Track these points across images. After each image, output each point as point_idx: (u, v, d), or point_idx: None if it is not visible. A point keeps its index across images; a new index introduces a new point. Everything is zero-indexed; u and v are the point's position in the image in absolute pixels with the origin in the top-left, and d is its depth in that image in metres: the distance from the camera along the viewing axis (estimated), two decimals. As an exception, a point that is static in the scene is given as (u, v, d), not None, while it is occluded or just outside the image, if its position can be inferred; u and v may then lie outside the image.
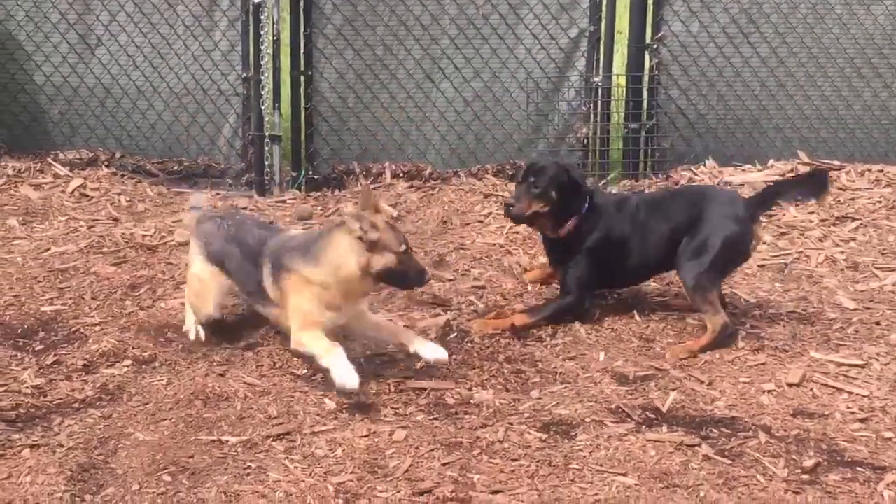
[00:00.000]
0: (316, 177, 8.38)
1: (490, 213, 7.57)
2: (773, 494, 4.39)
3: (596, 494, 4.37)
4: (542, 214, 5.97)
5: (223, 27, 8.34)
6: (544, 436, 4.79)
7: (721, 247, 5.79)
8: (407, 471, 4.51)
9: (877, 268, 6.80)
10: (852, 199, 7.89)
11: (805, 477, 4.54)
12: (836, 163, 8.41)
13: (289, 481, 4.42)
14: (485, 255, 6.91)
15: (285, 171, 8.45)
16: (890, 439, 4.84)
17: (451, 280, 6.51)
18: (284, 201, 8.06)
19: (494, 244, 7.06)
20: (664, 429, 4.89)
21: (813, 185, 6.05)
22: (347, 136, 8.43)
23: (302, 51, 8.23)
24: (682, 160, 8.43)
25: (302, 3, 8.15)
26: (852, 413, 5.08)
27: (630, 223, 6.01)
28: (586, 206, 6.01)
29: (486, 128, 8.42)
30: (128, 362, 5.48)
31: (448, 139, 8.38)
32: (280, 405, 5.03)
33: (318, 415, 4.96)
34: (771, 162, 8.41)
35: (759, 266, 6.82)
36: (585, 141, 8.42)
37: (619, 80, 8.44)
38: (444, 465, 4.56)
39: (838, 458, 4.68)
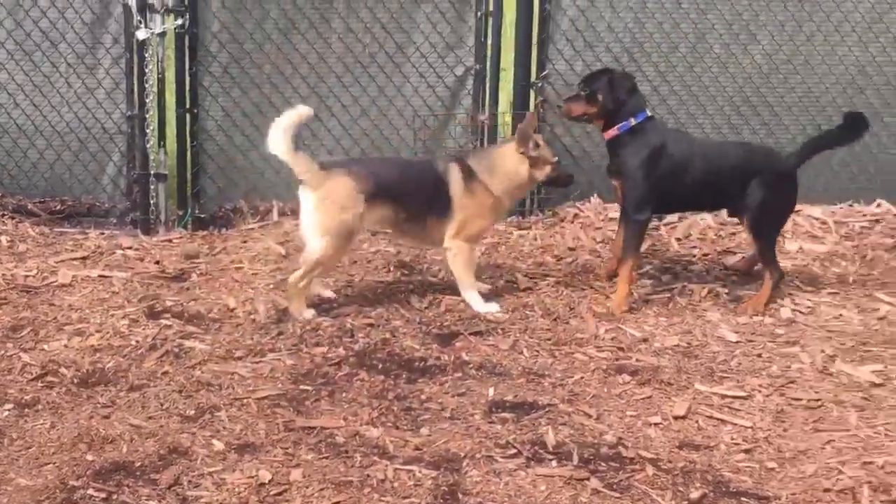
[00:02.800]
0: (203, 216, 8.30)
1: (378, 251, 7.57)
2: (660, 526, 4.46)
3: (487, 530, 4.40)
4: (590, 115, 6.91)
5: (107, 65, 8.24)
6: (434, 472, 4.80)
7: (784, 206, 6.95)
8: (297, 511, 4.49)
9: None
10: (733, 233, 8.05)
11: (692, 508, 4.62)
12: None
13: (176, 524, 4.37)
14: (372, 292, 6.91)
15: (171, 210, 8.36)
16: (773, 469, 4.94)
17: (346, 315, 6.49)
18: (170, 241, 7.97)
19: (382, 281, 7.06)
20: (554, 463, 4.93)
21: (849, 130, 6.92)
22: (234, 174, 8.38)
23: (187, 89, 8.17)
24: (567, 197, 8.51)
25: (187, 41, 8.09)
26: (737, 444, 5.17)
27: (682, 150, 6.80)
28: (639, 119, 6.81)
29: (374, 166, 8.42)
30: (9, 406, 5.37)
31: (336, 177, 8.35)
32: (167, 447, 4.96)
33: (206, 456, 4.90)
34: (654, 198, 8.53)
35: (644, 301, 6.91)
36: (472, 178, 8.47)
37: (505, 117, 8.53)
38: (334, 504, 4.55)
39: (724, 489, 4.76)
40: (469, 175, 6.62)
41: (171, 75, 8.22)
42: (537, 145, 6.71)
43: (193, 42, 8.11)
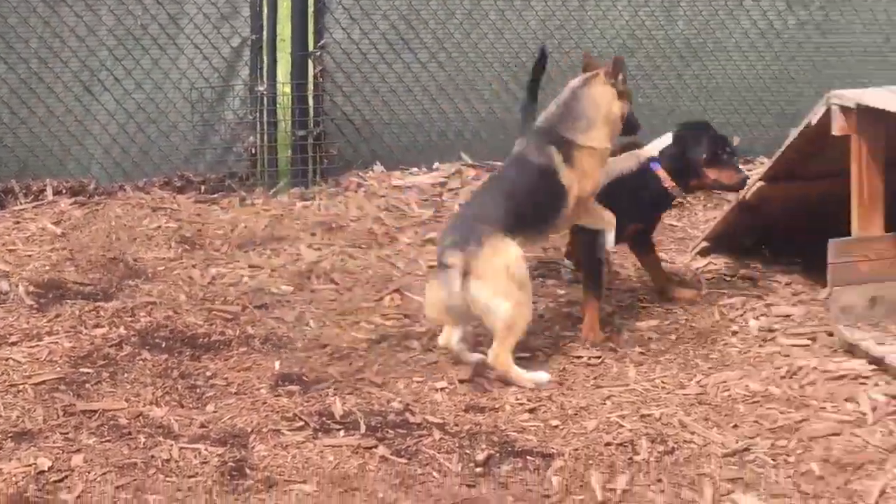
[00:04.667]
0: (-29, 197, 7.97)
1: (159, 227, 7.40)
2: (448, 490, 4.52)
3: (275, 504, 4.39)
4: None
5: None
6: (221, 449, 4.74)
7: None
8: (79, 497, 4.38)
9: (541, 263, 7.03)
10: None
11: (478, 470, 4.68)
12: (500, 164, 8.66)
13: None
14: (153, 269, 6.76)
15: (-63, 192, 7.99)
16: (557, 427, 5.05)
17: (127, 294, 6.34)
18: (-63, 224, 7.62)
19: (163, 258, 6.92)
20: (341, 433, 4.94)
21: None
22: (3, 153, 8.05)
23: (-51, 65, 7.82)
24: (350, 166, 8.49)
25: (-53, 16, 7.74)
26: (521, 404, 5.26)
27: None
28: None
29: (151, 140, 8.22)
30: None
31: (111, 153, 8.13)
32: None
33: (-21, 446, 4.74)
34: (436, 164, 8.59)
35: (428, 267, 6.95)
36: (253, 150, 8.37)
37: (284, 88, 8.43)
38: (117, 488, 4.46)
39: (509, 449, 4.84)
40: None
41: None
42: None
43: (-48, 17, 7.76)
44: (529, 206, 5.65)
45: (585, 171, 5.69)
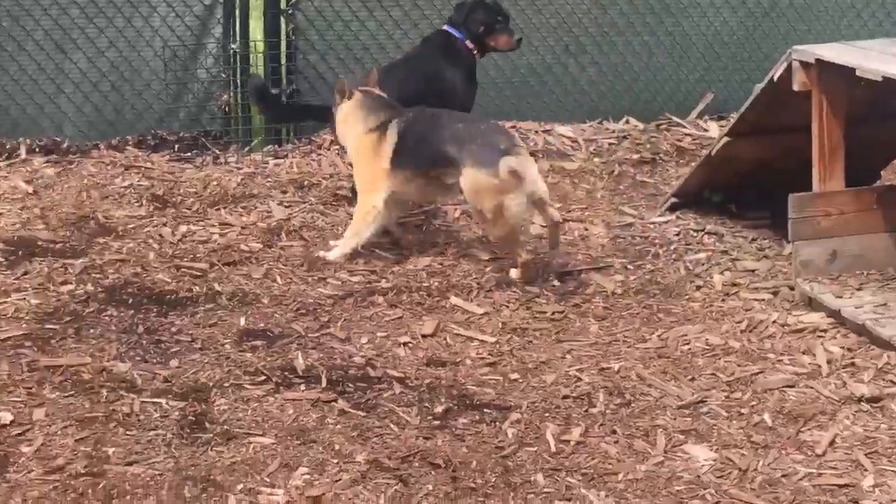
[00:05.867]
0: (-55, 156, 7.97)
1: (131, 185, 7.42)
2: (404, 442, 4.58)
3: (233, 457, 4.43)
4: None
5: None
6: (182, 403, 4.80)
7: None
8: (38, 450, 4.42)
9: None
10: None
11: (436, 423, 4.74)
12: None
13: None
14: (124, 226, 6.77)
15: (-89, 151, 8.00)
16: (516, 380, 5.12)
17: (96, 251, 6.37)
18: (-89, 183, 7.63)
19: (134, 216, 6.93)
20: (302, 387, 5.00)
21: None
22: (-24, 112, 8.07)
23: (-79, 24, 7.81)
24: (324, 124, 8.47)
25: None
26: (482, 358, 5.33)
27: None
28: None
29: (125, 98, 8.21)
30: None
31: (85, 111, 8.13)
32: None
33: (-57, 400, 4.78)
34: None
35: (398, 224, 6.96)
36: (227, 108, 8.38)
37: (257, 46, 8.42)
38: (77, 440, 4.51)
39: (467, 402, 4.91)
40: None
41: None
42: None
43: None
44: None
45: None
